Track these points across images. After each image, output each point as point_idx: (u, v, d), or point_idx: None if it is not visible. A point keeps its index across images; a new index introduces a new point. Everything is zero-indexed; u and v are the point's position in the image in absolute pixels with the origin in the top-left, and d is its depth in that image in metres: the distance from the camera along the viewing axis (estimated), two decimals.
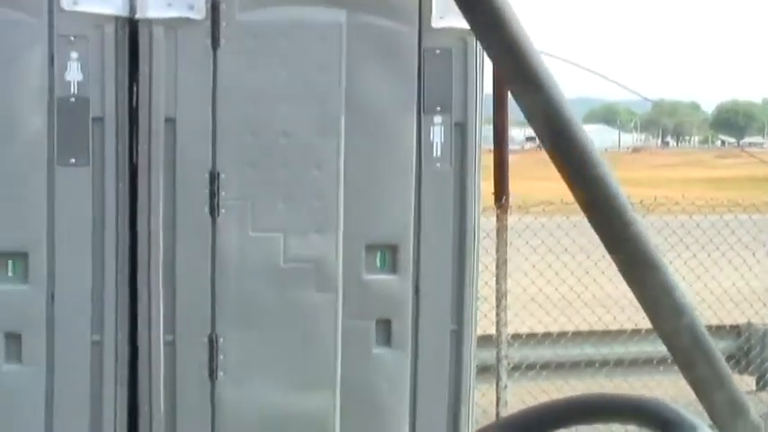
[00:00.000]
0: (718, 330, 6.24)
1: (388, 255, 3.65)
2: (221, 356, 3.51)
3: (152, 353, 3.49)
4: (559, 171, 0.84)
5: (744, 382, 6.08)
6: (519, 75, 0.80)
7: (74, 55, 3.39)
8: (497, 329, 5.34)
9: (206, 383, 3.52)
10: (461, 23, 3.53)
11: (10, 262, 3.40)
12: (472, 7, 0.79)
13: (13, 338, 3.39)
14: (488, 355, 5.29)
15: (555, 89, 0.81)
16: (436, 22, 3.60)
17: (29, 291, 3.39)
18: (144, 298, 3.49)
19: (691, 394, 0.95)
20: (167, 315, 3.49)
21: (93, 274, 3.43)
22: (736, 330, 6.44)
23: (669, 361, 5.69)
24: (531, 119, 0.82)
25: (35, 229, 3.39)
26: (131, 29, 3.46)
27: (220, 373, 3.52)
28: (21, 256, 3.39)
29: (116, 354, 3.47)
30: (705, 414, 0.91)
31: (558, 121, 0.81)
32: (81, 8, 3.37)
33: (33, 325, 3.40)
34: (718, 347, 0.91)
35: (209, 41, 3.44)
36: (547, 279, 6.44)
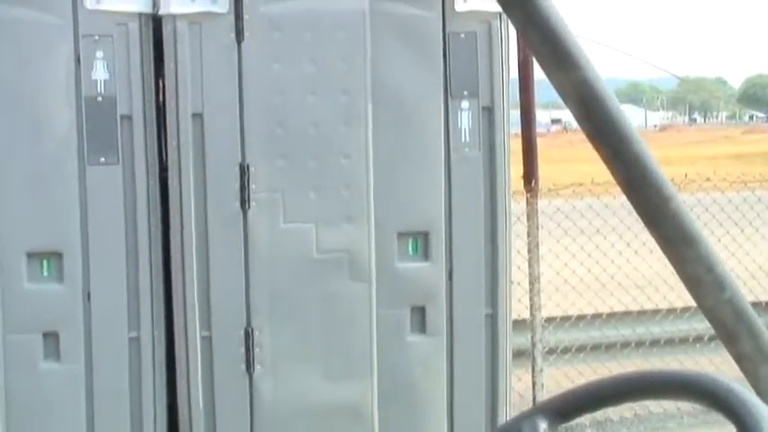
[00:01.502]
0: (754, 307, 6.15)
1: (421, 242, 3.64)
2: (257, 349, 3.53)
3: (189, 348, 3.50)
4: (596, 149, 0.82)
5: None
6: (553, 54, 0.79)
7: (99, 54, 3.40)
8: (531, 313, 5.31)
9: (243, 377, 3.54)
10: (485, 6, 3.52)
11: (45, 262, 3.42)
12: None
13: (51, 337, 3.43)
14: (523, 340, 5.27)
15: (589, 67, 0.80)
16: (460, 6, 3.57)
17: (64, 290, 3.42)
18: (179, 294, 3.50)
19: (728, 371, 0.93)
20: (203, 310, 3.50)
21: (128, 271, 3.45)
22: None
23: (706, 338, 5.65)
24: (566, 98, 0.81)
25: (68, 228, 3.41)
26: (155, 25, 3.46)
27: (257, 366, 3.53)
28: (55, 256, 3.42)
29: (153, 350, 3.49)
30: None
31: (594, 99, 0.80)
32: (104, 7, 3.38)
33: (70, 324, 3.43)
34: None
35: (233, 35, 3.44)
36: (580, 261, 6.40)
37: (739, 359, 0.88)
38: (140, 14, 3.42)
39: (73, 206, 3.40)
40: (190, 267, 3.48)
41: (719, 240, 6.42)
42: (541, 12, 0.77)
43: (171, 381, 3.56)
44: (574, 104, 0.80)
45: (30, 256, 3.40)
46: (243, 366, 3.53)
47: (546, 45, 0.79)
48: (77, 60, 3.38)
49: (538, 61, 0.82)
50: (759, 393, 0.87)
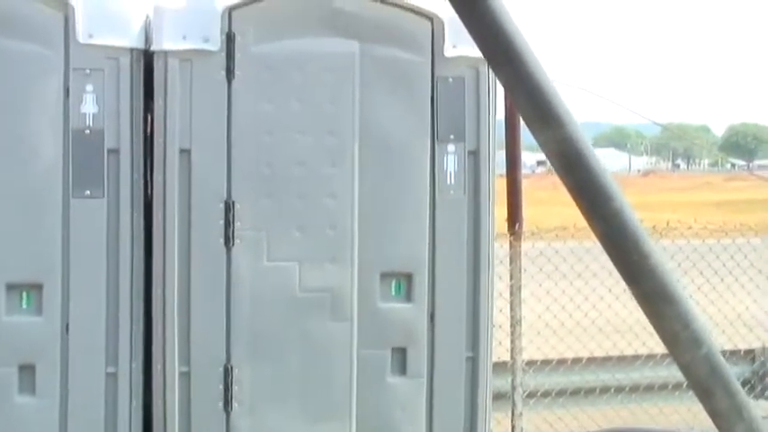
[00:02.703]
0: (732, 355, 6.18)
1: (403, 283, 3.65)
2: (236, 387, 3.50)
3: (167, 384, 3.48)
4: (578, 205, 0.84)
5: (759, 407, 6.01)
6: (538, 111, 0.81)
7: (89, 87, 3.41)
8: (512, 356, 5.30)
9: (221, 414, 3.51)
10: (474, 52, 3.57)
11: (24, 293, 3.40)
12: (490, 46, 0.80)
13: (27, 370, 3.39)
14: (503, 383, 5.25)
15: (573, 125, 0.81)
16: (449, 51, 3.62)
17: (43, 322, 3.39)
18: (159, 329, 3.48)
19: (705, 420, 0.94)
20: (182, 346, 3.48)
21: (108, 305, 3.44)
22: (750, 355, 6.38)
23: (684, 386, 5.66)
24: (549, 154, 0.83)
25: (50, 260, 3.39)
26: (146, 61, 3.48)
27: (235, 404, 3.50)
28: (35, 288, 3.40)
29: (130, 385, 3.46)
30: None
31: (576, 156, 0.81)
32: (96, 41, 3.41)
33: (47, 357, 3.39)
34: (733, 372, 0.90)
35: (223, 73, 3.47)
36: (561, 305, 6.40)
37: (714, 416, 0.88)
38: (132, 50, 3.44)
39: (55, 238, 3.39)
40: (171, 302, 3.46)
41: (699, 288, 6.45)
42: (527, 69, 0.79)
43: (147, 416, 3.53)
44: (556, 160, 0.82)
45: (9, 287, 3.38)
46: (221, 404, 3.50)
47: (531, 102, 0.80)
48: (67, 93, 3.40)
49: (522, 117, 0.84)
50: None
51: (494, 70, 0.82)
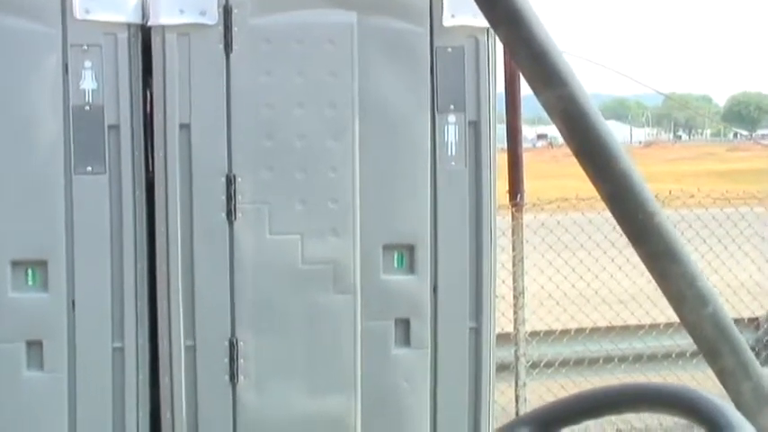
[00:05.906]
0: (736, 323, 6.17)
1: (406, 255, 3.66)
2: (241, 360, 3.53)
3: (173, 358, 3.50)
4: (581, 165, 0.84)
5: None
6: (539, 71, 0.81)
7: (87, 63, 3.41)
8: (515, 327, 5.34)
9: (227, 388, 3.53)
10: (473, 21, 3.56)
11: (29, 270, 3.42)
12: (492, 7, 0.79)
13: (35, 346, 3.42)
14: (506, 354, 5.28)
15: (575, 84, 0.81)
16: (447, 21, 3.60)
17: (49, 298, 3.41)
18: (163, 303, 3.50)
19: (711, 388, 0.94)
20: (187, 320, 3.50)
21: (113, 280, 3.45)
22: (754, 323, 6.40)
23: (688, 354, 5.68)
24: (552, 114, 0.82)
25: (54, 237, 3.41)
26: (144, 36, 3.47)
27: (241, 377, 3.53)
28: (40, 265, 3.42)
29: (137, 360, 3.48)
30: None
31: (579, 115, 0.81)
32: (93, 17, 3.39)
33: (54, 332, 3.42)
34: None
35: (221, 46, 3.46)
36: (563, 276, 6.42)
37: (721, 374, 0.88)
38: (129, 25, 3.43)
39: (59, 215, 3.40)
40: (175, 277, 3.48)
41: (703, 257, 6.45)
42: (529, 29, 0.79)
43: (154, 390, 3.56)
44: (559, 120, 0.81)
45: (14, 264, 3.40)
46: (226, 377, 3.53)
47: (532, 62, 0.80)
48: (65, 69, 3.39)
49: (524, 77, 0.83)
50: (740, 408, 0.88)
51: (495, 30, 0.82)
